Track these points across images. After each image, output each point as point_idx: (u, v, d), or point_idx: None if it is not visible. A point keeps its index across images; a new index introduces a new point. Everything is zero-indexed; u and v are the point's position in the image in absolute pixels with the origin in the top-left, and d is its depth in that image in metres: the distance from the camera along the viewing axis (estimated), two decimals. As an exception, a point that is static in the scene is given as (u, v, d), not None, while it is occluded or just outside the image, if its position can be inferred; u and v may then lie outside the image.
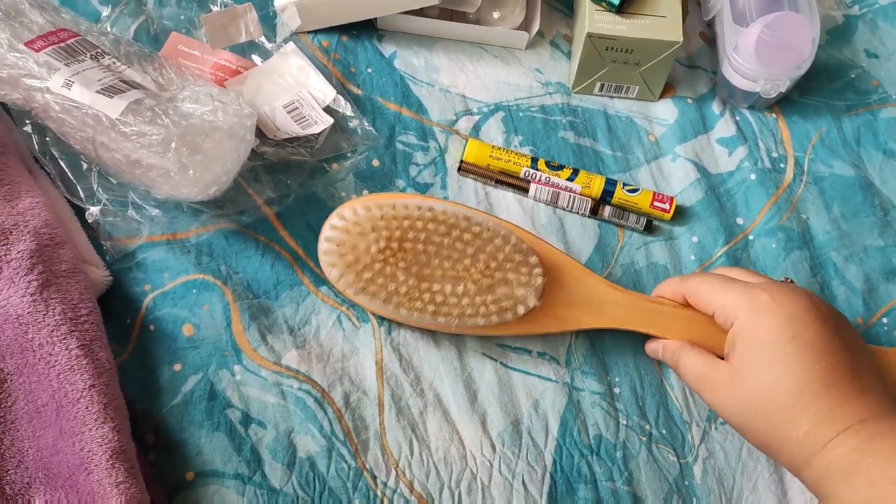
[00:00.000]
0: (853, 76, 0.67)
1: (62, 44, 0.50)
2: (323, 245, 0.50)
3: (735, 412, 0.46)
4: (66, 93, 0.48)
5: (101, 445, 0.44)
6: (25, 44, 0.49)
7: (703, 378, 0.48)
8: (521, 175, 0.60)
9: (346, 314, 0.54)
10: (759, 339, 0.45)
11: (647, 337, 0.53)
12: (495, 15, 0.65)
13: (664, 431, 0.53)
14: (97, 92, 0.48)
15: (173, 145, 0.48)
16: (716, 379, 0.47)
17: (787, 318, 0.45)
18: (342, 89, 0.61)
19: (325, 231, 0.51)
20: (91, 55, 0.51)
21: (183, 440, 0.49)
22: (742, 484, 0.52)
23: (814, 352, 0.44)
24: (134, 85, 0.51)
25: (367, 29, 0.65)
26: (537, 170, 0.59)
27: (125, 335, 0.51)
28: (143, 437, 0.49)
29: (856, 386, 0.43)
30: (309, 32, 0.64)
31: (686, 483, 0.52)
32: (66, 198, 0.53)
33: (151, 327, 0.52)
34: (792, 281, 0.51)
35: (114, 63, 0.52)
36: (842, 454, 0.42)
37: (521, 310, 0.50)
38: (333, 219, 0.51)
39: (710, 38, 0.68)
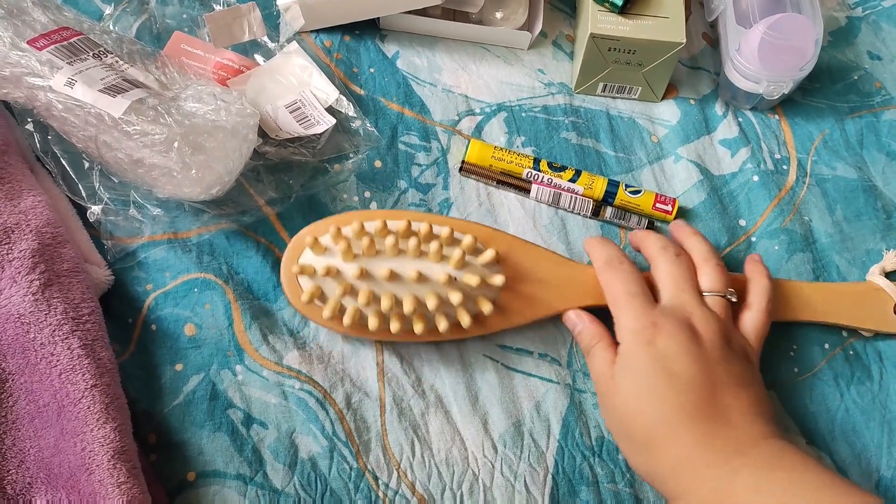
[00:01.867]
0: (856, 78, 0.67)
1: (65, 42, 0.50)
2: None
3: (610, 425, 0.49)
4: (69, 91, 0.48)
5: (102, 445, 0.44)
6: (28, 42, 0.49)
7: (597, 380, 0.49)
8: (524, 176, 0.60)
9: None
10: (634, 367, 0.47)
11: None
12: (498, 15, 0.65)
13: (666, 433, 0.53)
14: (100, 91, 0.48)
15: (176, 144, 0.48)
16: (603, 388, 0.48)
17: (662, 354, 0.46)
18: (345, 89, 0.61)
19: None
20: (94, 54, 0.51)
21: (184, 440, 0.49)
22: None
23: (681, 387, 0.45)
24: (137, 84, 0.51)
25: (369, 29, 0.65)
26: (539, 171, 0.59)
27: (127, 335, 0.51)
28: (145, 437, 0.49)
29: (722, 421, 0.45)
30: (311, 32, 0.64)
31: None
32: (68, 196, 0.53)
33: (153, 327, 0.52)
34: (732, 294, 0.51)
35: (116, 62, 0.52)
36: (706, 493, 0.43)
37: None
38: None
39: (712, 39, 0.68)
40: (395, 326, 0.48)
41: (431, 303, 0.48)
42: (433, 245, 0.49)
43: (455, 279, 0.49)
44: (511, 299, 0.52)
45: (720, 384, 0.46)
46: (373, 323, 0.48)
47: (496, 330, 0.52)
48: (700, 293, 0.50)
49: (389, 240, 0.49)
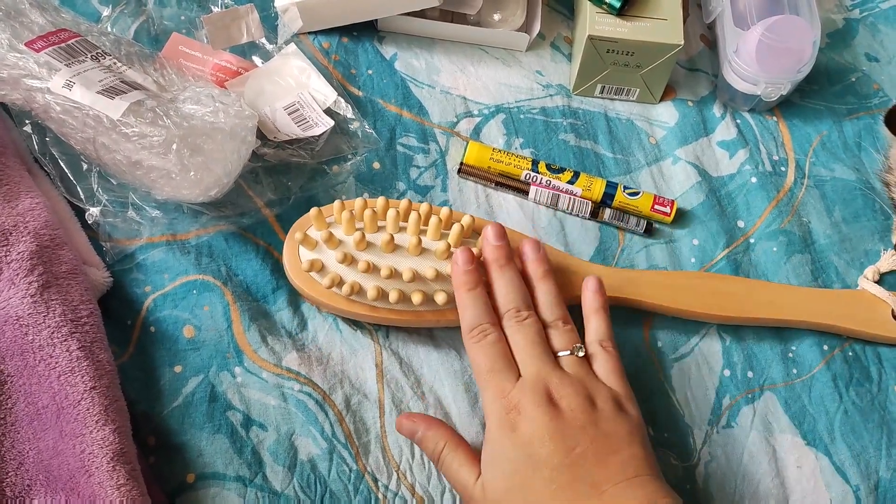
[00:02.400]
0: (854, 80, 0.67)
1: (63, 44, 0.50)
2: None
3: None
4: (67, 93, 0.48)
5: (101, 447, 0.44)
6: (26, 44, 0.49)
7: (463, 493, 0.47)
8: (522, 178, 0.60)
9: (340, 319, 0.54)
10: (502, 459, 0.45)
11: (649, 339, 0.53)
12: (496, 17, 0.65)
13: (666, 435, 0.53)
14: (98, 93, 0.48)
15: (174, 146, 0.48)
16: (474, 497, 0.46)
17: (526, 441, 0.44)
18: (343, 91, 0.61)
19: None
20: (92, 56, 0.51)
21: (184, 442, 0.49)
22: (744, 488, 0.52)
23: (550, 474, 0.43)
24: (135, 86, 0.50)
25: (367, 30, 0.65)
26: (538, 172, 0.59)
27: (125, 336, 0.51)
28: (144, 439, 0.49)
29: (592, 496, 0.43)
30: (309, 34, 0.64)
31: (688, 486, 0.52)
32: (66, 198, 0.53)
33: (152, 329, 0.52)
34: (580, 349, 0.48)
35: (114, 64, 0.52)
36: None
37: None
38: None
39: (710, 40, 0.68)
40: (393, 296, 0.49)
41: (430, 273, 0.49)
42: (433, 221, 0.50)
43: (454, 253, 0.50)
44: None
45: (589, 457, 0.44)
46: (371, 293, 0.49)
47: None
48: (552, 355, 0.48)
49: (391, 213, 0.50)
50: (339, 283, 0.50)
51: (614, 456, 0.44)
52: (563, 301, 0.50)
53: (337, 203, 0.51)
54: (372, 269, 0.49)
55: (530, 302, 0.50)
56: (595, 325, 0.50)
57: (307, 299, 0.53)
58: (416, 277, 0.49)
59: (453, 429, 0.50)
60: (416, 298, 0.49)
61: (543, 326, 0.49)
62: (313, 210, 0.50)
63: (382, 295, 0.49)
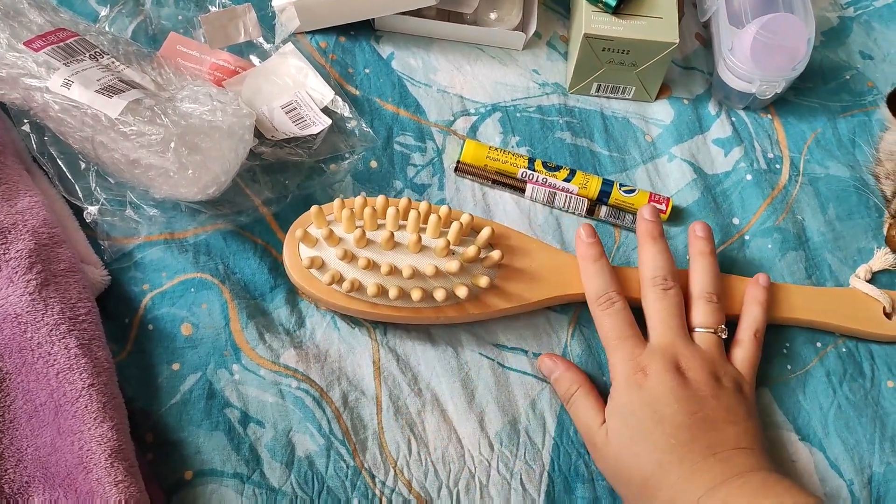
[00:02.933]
0: (848, 77, 0.68)
1: (61, 43, 0.50)
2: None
3: (610, 476, 0.50)
4: (66, 92, 0.48)
5: (99, 444, 0.44)
6: (25, 43, 0.49)
7: (587, 434, 0.51)
8: (518, 176, 0.60)
9: (338, 316, 0.54)
10: (626, 412, 0.49)
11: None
12: (492, 16, 0.65)
13: (661, 430, 0.53)
14: (96, 91, 0.48)
15: (172, 145, 0.48)
16: (596, 441, 0.50)
17: (651, 398, 0.48)
18: (340, 90, 0.61)
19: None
20: (90, 55, 0.51)
21: (182, 439, 0.49)
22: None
23: (671, 430, 0.47)
24: (133, 84, 0.51)
25: (364, 30, 0.65)
26: (534, 170, 0.60)
27: (123, 334, 0.51)
28: (142, 436, 0.49)
29: (710, 458, 0.46)
30: (307, 33, 0.64)
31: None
32: (65, 197, 0.53)
33: (150, 326, 0.52)
34: (723, 331, 0.52)
35: (113, 63, 0.52)
36: None
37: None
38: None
39: (705, 39, 0.69)
40: (393, 292, 0.49)
41: (429, 270, 0.49)
42: (432, 219, 0.51)
43: (453, 252, 0.51)
44: (507, 282, 0.53)
45: (708, 422, 0.47)
46: (371, 290, 0.49)
47: (493, 310, 0.53)
48: (687, 330, 0.52)
49: (390, 211, 0.50)
50: (340, 280, 0.50)
51: (731, 426, 0.48)
52: (721, 281, 0.54)
53: (337, 201, 0.51)
54: (372, 266, 0.50)
55: (677, 274, 0.53)
56: (755, 314, 0.53)
57: (307, 297, 0.53)
58: (416, 274, 0.50)
59: (588, 375, 0.53)
60: (416, 295, 0.49)
61: (690, 299, 0.53)
62: (314, 208, 0.51)
63: (382, 292, 0.50)
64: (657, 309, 0.52)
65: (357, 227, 0.50)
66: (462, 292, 0.50)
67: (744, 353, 0.52)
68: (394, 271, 0.50)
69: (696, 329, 0.52)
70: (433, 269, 0.49)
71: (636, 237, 0.55)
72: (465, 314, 0.52)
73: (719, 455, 0.46)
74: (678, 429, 0.47)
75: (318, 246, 0.51)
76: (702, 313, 0.52)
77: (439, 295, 0.50)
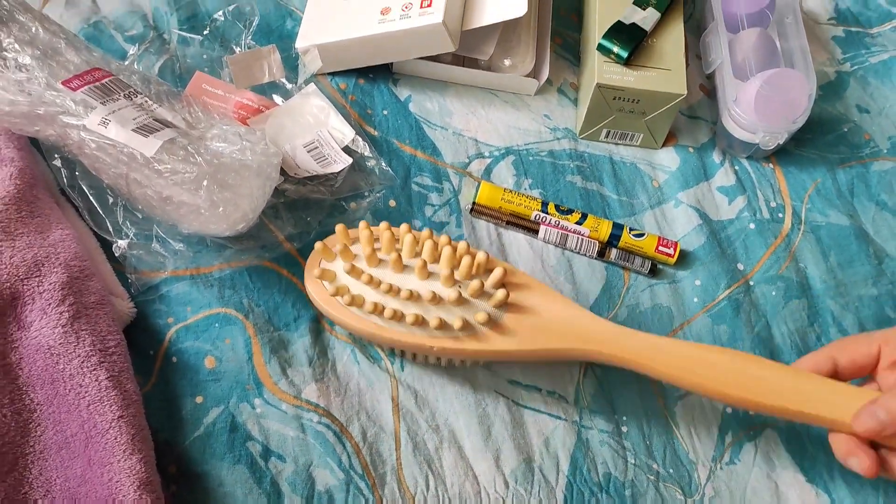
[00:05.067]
0: (846, 130, 0.71)
1: (98, 83, 0.52)
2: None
3: None
4: (103, 131, 0.49)
5: (129, 476, 0.45)
6: (63, 83, 0.50)
7: None
8: (532, 218, 0.62)
9: (358, 350, 0.55)
10: None
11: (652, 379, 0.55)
12: (506, 62, 0.67)
13: (671, 470, 0.55)
14: (133, 130, 0.50)
15: (205, 183, 0.50)
16: None
17: None
18: (360, 130, 0.63)
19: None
20: (125, 94, 0.52)
21: (205, 472, 0.50)
22: (746, 522, 0.54)
23: None
24: (166, 123, 0.52)
25: (383, 73, 0.67)
26: (547, 213, 0.61)
27: (148, 367, 0.52)
28: (166, 468, 0.50)
29: None
30: (328, 74, 0.66)
31: (691, 520, 0.54)
32: (93, 230, 0.54)
33: (174, 359, 0.53)
34: None
35: (146, 102, 0.53)
36: None
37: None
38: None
39: (709, 90, 0.71)
40: (410, 318, 0.49)
41: (428, 295, 0.49)
42: (446, 251, 0.50)
43: (460, 284, 0.51)
44: (513, 325, 0.52)
45: None
46: (388, 312, 0.49)
47: (501, 350, 0.51)
48: None
49: (408, 238, 0.51)
50: (360, 304, 0.50)
51: None
52: None
53: (362, 223, 0.52)
54: (390, 290, 0.50)
55: None
56: None
57: (327, 316, 0.53)
58: (438, 300, 0.50)
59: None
60: (434, 321, 0.50)
61: None
62: (339, 230, 0.52)
63: (401, 317, 0.50)
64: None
65: (375, 250, 0.51)
66: (457, 324, 0.49)
67: None
68: (409, 296, 0.50)
69: None
70: (431, 294, 0.49)
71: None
72: (477, 348, 0.51)
73: None
74: None
75: (338, 273, 0.52)
76: None
77: (457, 324, 0.49)
